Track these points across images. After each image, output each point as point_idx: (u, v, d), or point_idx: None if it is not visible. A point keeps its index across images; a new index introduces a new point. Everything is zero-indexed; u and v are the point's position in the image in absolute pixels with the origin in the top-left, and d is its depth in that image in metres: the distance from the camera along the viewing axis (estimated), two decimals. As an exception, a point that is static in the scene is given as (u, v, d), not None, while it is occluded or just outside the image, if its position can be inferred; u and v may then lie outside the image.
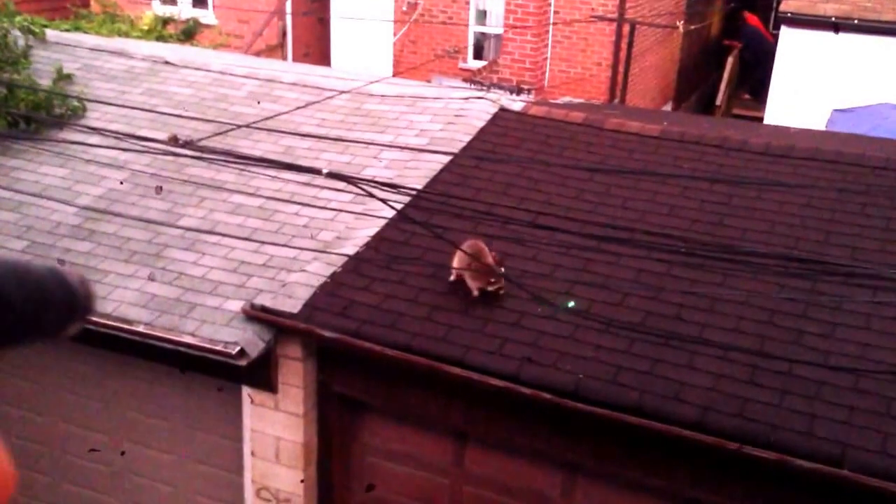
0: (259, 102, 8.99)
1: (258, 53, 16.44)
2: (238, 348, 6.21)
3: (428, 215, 6.91)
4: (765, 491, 5.53)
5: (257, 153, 7.82)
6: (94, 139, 8.01)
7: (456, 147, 7.95)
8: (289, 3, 17.32)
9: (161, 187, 7.62)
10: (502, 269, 6.24)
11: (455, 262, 6.35)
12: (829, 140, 9.26)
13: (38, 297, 0.74)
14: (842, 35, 15.25)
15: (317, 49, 18.07)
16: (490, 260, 6.21)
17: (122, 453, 7.72)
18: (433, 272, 6.51)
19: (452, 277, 6.41)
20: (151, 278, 6.86)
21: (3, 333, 0.69)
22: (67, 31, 11.62)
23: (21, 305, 0.70)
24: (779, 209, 7.07)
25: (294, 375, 6.65)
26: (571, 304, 6.13)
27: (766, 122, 15.83)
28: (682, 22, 17.21)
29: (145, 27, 14.16)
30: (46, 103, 8.86)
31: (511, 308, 6.21)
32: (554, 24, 15.85)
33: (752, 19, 22.05)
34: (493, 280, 6.20)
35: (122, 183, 7.92)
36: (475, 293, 6.26)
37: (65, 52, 10.08)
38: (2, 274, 0.67)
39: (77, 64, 9.85)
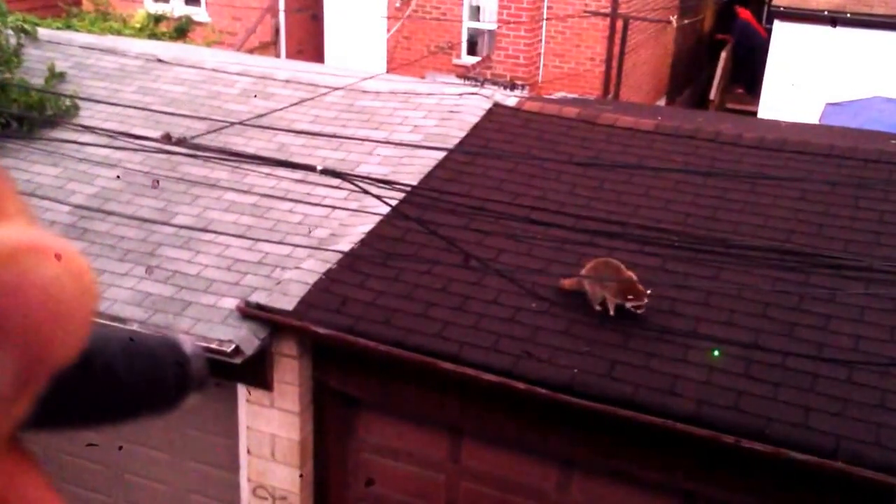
0: (255, 96, 8.98)
1: (251, 51, 16.41)
2: (233, 346, 6.21)
3: (422, 211, 6.91)
4: (760, 483, 5.54)
5: (251, 150, 7.82)
6: (87, 138, 8.00)
7: (450, 143, 7.95)
8: None
9: (158, 181, 7.62)
10: (647, 291, 5.97)
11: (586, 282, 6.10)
12: (822, 133, 9.27)
13: (150, 374, 0.73)
14: (834, 29, 15.27)
15: (310, 46, 18.04)
16: (629, 275, 5.98)
17: (120, 448, 7.71)
18: (428, 268, 6.51)
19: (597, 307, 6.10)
20: (149, 272, 6.85)
21: (111, 411, 0.68)
22: (59, 29, 11.59)
23: (131, 382, 0.69)
24: (772, 202, 7.09)
25: (289, 373, 6.65)
26: (716, 352, 5.86)
27: (759, 116, 15.85)
28: (675, 17, 17.20)
29: (138, 25, 14.13)
30: (39, 104, 8.84)
31: (505, 304, 6.21)
32: (547, 19, 15.85)
33: (745, 14, 22.06)
34: (630, 297, 5.93)
35: (118, 178, 7.90)
36: (611, 310, 6.03)
37: (57, 50, 10.05)
38: (112, 349, 0.66)
39: (69, 62, 9.82)
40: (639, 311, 5.94)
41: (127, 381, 0.66)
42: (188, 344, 0.75)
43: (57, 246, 0.45)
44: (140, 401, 0.70)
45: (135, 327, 6.47)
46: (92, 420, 0.64)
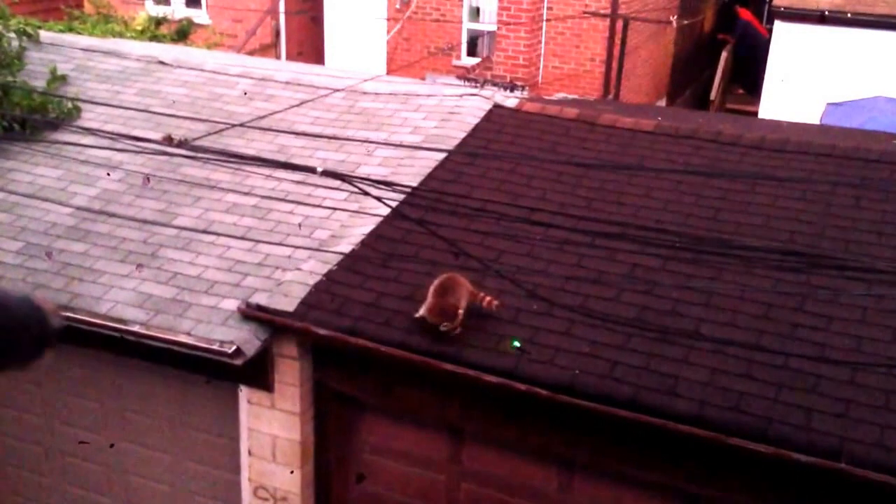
0: (246, 93, 8.99)
1: (252, 52, 16.43)
2: (234, 347, 6.21)
3: (423, 213, 6.91)
4: (762, 485, 5.53)
5: (252, 152, 7.82)
6: (89, 140, 8.01)
7: (450, 144, 7.95)
8: (282, 2, 17.31)
9: (149, 178, 7.62)
10: (460, 312, 5.93)
11: (426, 304, 6.05)
12: (823, 134, 9.27)
13: (13, 326, 0.74)
14: (835, 28, 15.27)
15: (310, 47, 18.05)
16: (451, 299, 5.95)
17: (111, 446, 7.71)
18: (428, 269, 6.51)
19: (417, 314, 6.09)
20: (139, 269, 6.86)
21: None
22: (61, 32, 11.60)
23: None
24: (773, 203, 7.08)
25: (290, 374, 6.66)
26: (516, 343, 5.92)
27: (760, 116, 15.85)
28: (675, 17, 17.22)
29: (139, 27, 14.14)
30: (41, 107, 8.85)
31: (507, 304, 6.20)
32: (547, 20, 15.85)
33: (745, 14, 22.07)
34: (446, 323, 5.93)
35: (108, 174, 7.91)
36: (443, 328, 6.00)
37: (59, 53, 10.06)
38: None
39: (71, 65, 9.83)
40: (453, 333, 5.94)
41: None
42: (46, 303, 0.76)
43: None
44: (4, 352, 0.71)
45: (136, 329, 6.47)
46: None
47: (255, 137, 8.23)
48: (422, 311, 6.08)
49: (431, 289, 6.07)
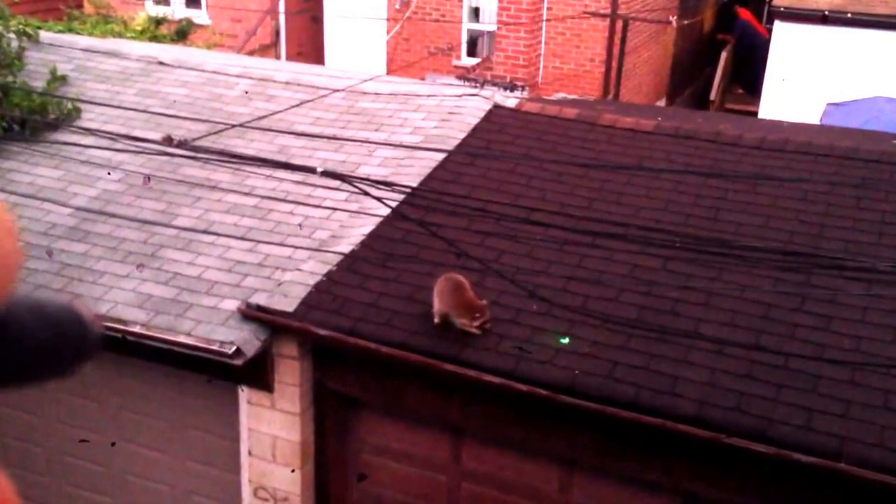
0: (247, 92, 8.99)
1: (252, 53, 16.42)
2: (234, 348, 6.21)
3: (423, 213, 6.91)
4: (762, 485, 5.54)
5: (252, 152, 7.82)
6: (89, 140, 8.01)
7: (450, 144, 7.95)
8: (282, 2, 17.30)
9: (149, 178, 7.62)
10: (484, 302, 6.01)
11: (436, 304, 6.09)
12: (823, 134, 9.27)
13: (55, 336, 0.74)
14: (835, 28, 15.26)
15: (310, 48, 18.04)
16: (470, 294, 5.99)
17: (113, 444, 7.71)
18: (428, 270, 6.51)
19: (437, 320, 6.11)
20: (140, 269, 6.86)
21: (18, 372, 0.69)
22: (61, 32, 11.59)
23: (38, 344, 0.70)
24: (773, 203, 7.08)
25: (290, 374, 6.66)
26: (565, 340, 5.95)
27: (759, 116, 15.84)
28: (674, 17, 17.21)
29: (139, 28, 14.13)
30: (41, 107, 8.85)
31: (506, 304, 6.21)
32: (547, 20, 15.85)
33: (745, 14, 22.06)
34: (477, 315, 5.96)
35: (109, 173, 7.91)
36: (472, 329, 6.00)
37: (58, 53, 10.06)
38: (20, 312, 0.67)
39: (71, 65, 9.83)
40: (486, 327, 5.95)
41: (34, 344, 0.67)
42: (87, 312, 0.76)
43: None
44: (44, 363, 0.71)
45: (136, 329, 6.47)
46: (1, 380, 0.65)
47: (255, 138, 8.23)
48: (443, 315, 6.02)
49: (442, 291, 6.03)
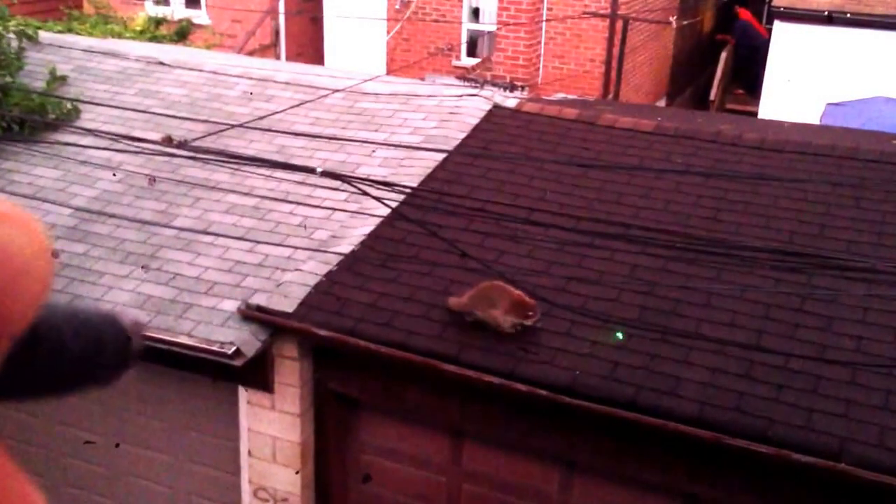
0: (251, 94, 8.98)
1: (251, 53, 16.42)
2: (234, 348, 6.20)
3: (423, 213, 6.90)
4: (762, 485, 5.53)
5: (251, 153, 7.81)
6: (88, 140, 8.01)
7: (450, 144, 7.94)
8: (282, 2, 17.30)
9: (154, 178, 7.61)
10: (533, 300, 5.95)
11: (482, 308, 6.00)
12: (823, 134, 9.26)
13: (95, 347, 0.73)
14: (835, 29, 15.26)
15: (310, 48, 18.04)
16: (516, 294, 5.94)
17: (117, 445, 7.70)
18: (428, 270, 6.50)
19: (494, 325, 5.98)
20: (146, 270, 6.85)
21: (57, 383, 0.69)
22: (61, 32, 11.59)
23: (78, 355, 0.70)
24: (773, 203, 7.08)
25: (290, 375, 6.65)
26: (619, 335, 5.91)
27: (759, 116, 15.84)
28: (674, 17, 17.20)
29: (138, 28, 14.14)
30: (40, 107, 8.85)
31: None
32: (547, 20, 15.84)
33: (745, 14, 22.06)
34: (530, 313, 5.92)
35: (114, 174, 7.90)
36: (511, 329, 5.96)
37: (58, 53, 10.05)
38: (59, 322, 0.66)
39: (70, 65, 9.82)
40: (537, 325, 5.93)
41: (73, 353, 0.67)
42: (128, 320, 0.75)
43: (13, 212, 0.46)
44: (83, 372, 0.70)
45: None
46: (38, 391, 0.65)
47: (254, 138, 8.22)
48: (496, 319, 5.93)
49: (491, 296, 5.94)
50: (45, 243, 0.48)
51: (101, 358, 0.74)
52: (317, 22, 17.86)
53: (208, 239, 7.16)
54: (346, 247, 6.85)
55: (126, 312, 0.74)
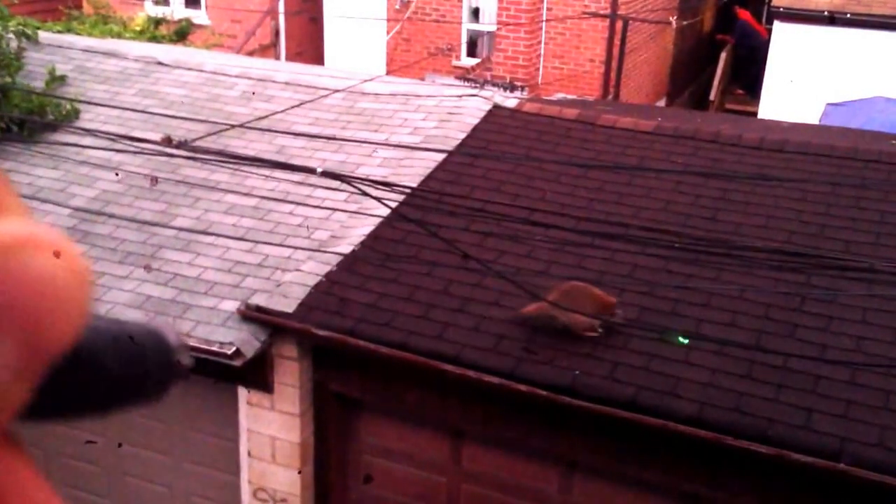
0: (253, 93, 8.98)
1: (251, 53, 16.41)
2: (234, 348, 6.20)
3: (422, 213, 6.90)
4: (762, 485, 5.53)
5: (251, 153, 7.81)
6: (88, 141, 8.00)
7: (450, 145, 7.94)
8: (281, 2, 17.29)
9: (156, 178, 7.61)
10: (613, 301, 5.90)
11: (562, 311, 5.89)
12: (822, 134, 9.26)
13: (138, 365, 0.73)
14: (834, 29, 15.26)
15: (310, 48, 18.04)
16: (598, 293, 5.89)
17: (120, 445, 7.70)
18: (428, 270, 6.50)
19: (585, 332, 5.90)
20: (148, 270, 6.85)
21: (100, 403, 0.68)
22: (60, 32, 11.58)
23: (119, 374, 0.69)
24: (773, 203, 7.08)
25: (290, 375, 6.65)
26: (685, 340, 5.88)
27: (759, 116, 15.84)
28: (674, 18, 17.21)
29: (138, 28, 14.13)
30: (40, 108, 8.84)
31: (506, 305, 6.20)
32: (547, 20, 15.84)
33: (745, 14, 22.06)
34: (614, 313, 5.89)
35: (117, 174, 7.90)
36: (594, 332, 5.91)
37: (57, 53, 10.05)
38: (100, 342, 0.66)
39: (70, 65, 9.82)
40: (620, 321, 5.93)
41: (114, 371, 0.66)
42: (172, 335, 0.75)
43: (53, 239, 0.48)
44: (126, 392, 0.70)
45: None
46: (80, 411, 0.64)
47: (254, 138, 8.22)
48: (581, 324, 5.86)
49: (575, 295, 5.86)
50: (83, 270, 0.50)
51: (145, 376, 0.73)
52: (316, 22, 17.86)
53: (208, 239, 7.16)
54: (345, 247, 6.85)
55: (169, 328, 0.74)
